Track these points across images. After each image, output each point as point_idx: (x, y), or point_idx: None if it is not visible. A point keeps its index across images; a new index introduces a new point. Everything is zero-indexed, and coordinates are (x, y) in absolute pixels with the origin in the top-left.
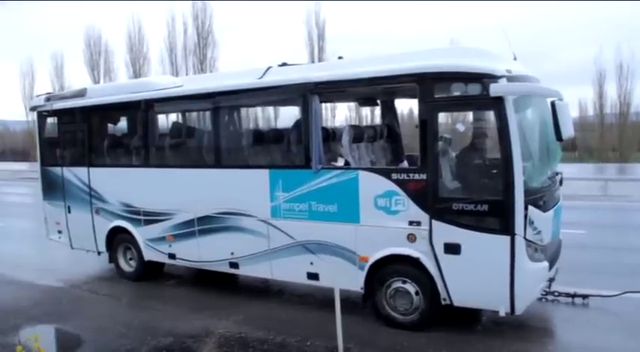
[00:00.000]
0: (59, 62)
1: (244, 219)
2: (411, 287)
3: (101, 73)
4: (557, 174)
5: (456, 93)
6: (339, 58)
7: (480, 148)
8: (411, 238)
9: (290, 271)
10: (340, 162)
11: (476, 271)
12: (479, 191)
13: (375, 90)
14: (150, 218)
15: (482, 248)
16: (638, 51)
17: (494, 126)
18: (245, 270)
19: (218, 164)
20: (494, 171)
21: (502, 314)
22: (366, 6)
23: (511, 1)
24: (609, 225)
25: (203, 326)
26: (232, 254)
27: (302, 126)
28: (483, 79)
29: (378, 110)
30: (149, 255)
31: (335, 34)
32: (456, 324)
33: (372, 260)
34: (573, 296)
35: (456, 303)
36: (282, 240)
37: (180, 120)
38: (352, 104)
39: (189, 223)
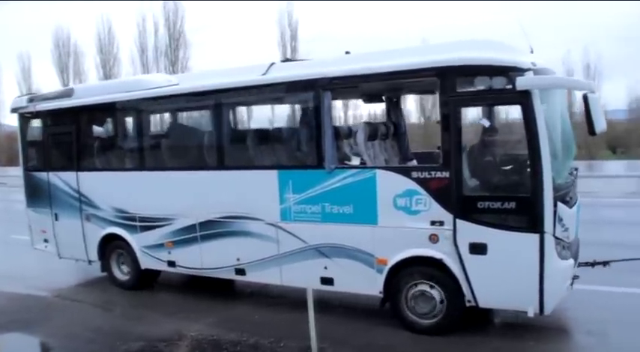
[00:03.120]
0: (26, 64)
1: (251, 223)
2: (433, 290)
3: (70, 74)
4: (575, 169)
5: (480, 87)
6: (347, 52)
7: (505, 144)
8: (434, 239)
9: (302, 276)
10: (355, 161)
11: (503, 271)
12: (506, 188)
13: (391, 85)
14: (146, 224)
15: (510, 247)
16: (604, 52)
17: (520, 121)
18: (252, 277)
19: (221, 165)
20: (522, 167)
21: (531, 314)
22: (338, 6)
23: (480, 2)
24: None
25: (175, 330)
26: (238, 260)
27: (314, 124)
28: (509, 72)
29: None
30: (146, 262)
31: (308, 35)
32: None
33: (391, 262)
34: (593, 264)
35: (481, 305)
36: (293, 244)
37: (178, 121)
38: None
39: (190, 228)
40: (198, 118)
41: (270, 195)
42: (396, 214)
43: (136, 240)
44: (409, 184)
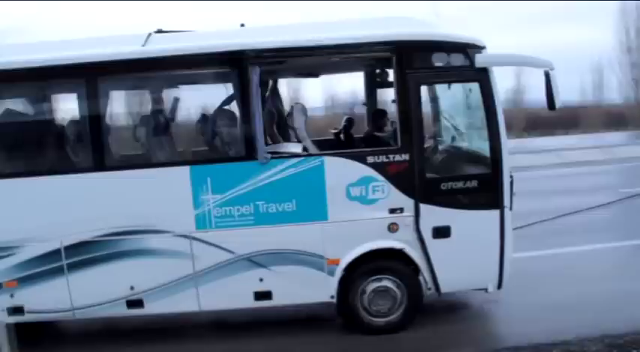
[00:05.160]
0: None
1: (151, 238)
2: (392, 284)
3: None
4: None
5: (439, 64)
6: (242, 25)
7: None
8: (393, 228)
9: (229, 295)
10: (296, 149)
11: (466, 251)
12: (468, 167)
13: (323, 61)
14: None
15: (473, 226)
16: None
17: (475, 99)
18: (154, 307)
19: (101, 165)
20: (482, 144)
21: (491, 290)
22: None
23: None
24: None
25: None
26: (132, 289)
27: (240, 106)
28: (468, 49)
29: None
30: None
31: None
32: None
33: (345, 261)
34: None
35: (443, 290)
36: (216, 256)
37: (16, 107)
38: None
39: (49, 257)
40: (54, 104)
41: (180, 199)
42: (349, 206)
43: None
44: (365, 171)
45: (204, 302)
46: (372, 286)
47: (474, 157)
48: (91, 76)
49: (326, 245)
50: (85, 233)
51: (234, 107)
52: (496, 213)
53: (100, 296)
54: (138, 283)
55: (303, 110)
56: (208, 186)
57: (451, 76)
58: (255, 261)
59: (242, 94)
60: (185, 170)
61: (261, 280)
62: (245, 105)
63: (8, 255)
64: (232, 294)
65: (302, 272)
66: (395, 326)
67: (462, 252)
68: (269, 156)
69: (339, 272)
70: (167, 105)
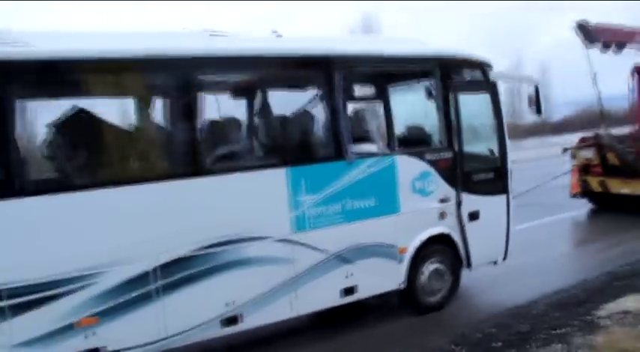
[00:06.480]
0: None
1: (250, 246)
2: (442, 265)
3: None
4: None
5: (467, 78)
6: (274, 32)
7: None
8: (443, 215)
9: (320, 296)
10: (372, 148)
11: (488, 231)
12: (487, 161)
13: (388, 72)
14: (28, 299)
15: (492, 209)
16: None
17: (488, 106)
18: (250, 322)
19: (199, 170)
20: (494, 143)
21: (500, 262)
22: None
23: None
24: None
25: None
26: (230, 305)
27: (329, 108)
28: (485, 66)
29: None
30: None
31: None
32: None
33: (411, 249)
34: None
35: (473, 266)
36: (312, 258)
37: (86, 107)
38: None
39: (138, 281)
40: (142, 103)
41: (278, 201)
42: (413, 198)
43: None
44: (424, 166)
45: (298, 307)
46: (429, 268)
47: (489, 153)
48: (183, 73)
49: (398, 235)
50: (181, 247)
51: (320, 109)
52: (504, 197)
53: (193, 320)
54: (235, 298)
55: (372, 113)
56: (303, 187)
57: (475, 87)
58: (344, 257)
59: (332, 97)
60: (281, 172)
61: (347, 276)
62: (335, 108)
63: (84, 286)
64: (322, 295)
65: (380, 263)
66: (443, 303)
67: (486, 231)
68: (355, 155)
69: (407, 259)
70: (258, 107)
